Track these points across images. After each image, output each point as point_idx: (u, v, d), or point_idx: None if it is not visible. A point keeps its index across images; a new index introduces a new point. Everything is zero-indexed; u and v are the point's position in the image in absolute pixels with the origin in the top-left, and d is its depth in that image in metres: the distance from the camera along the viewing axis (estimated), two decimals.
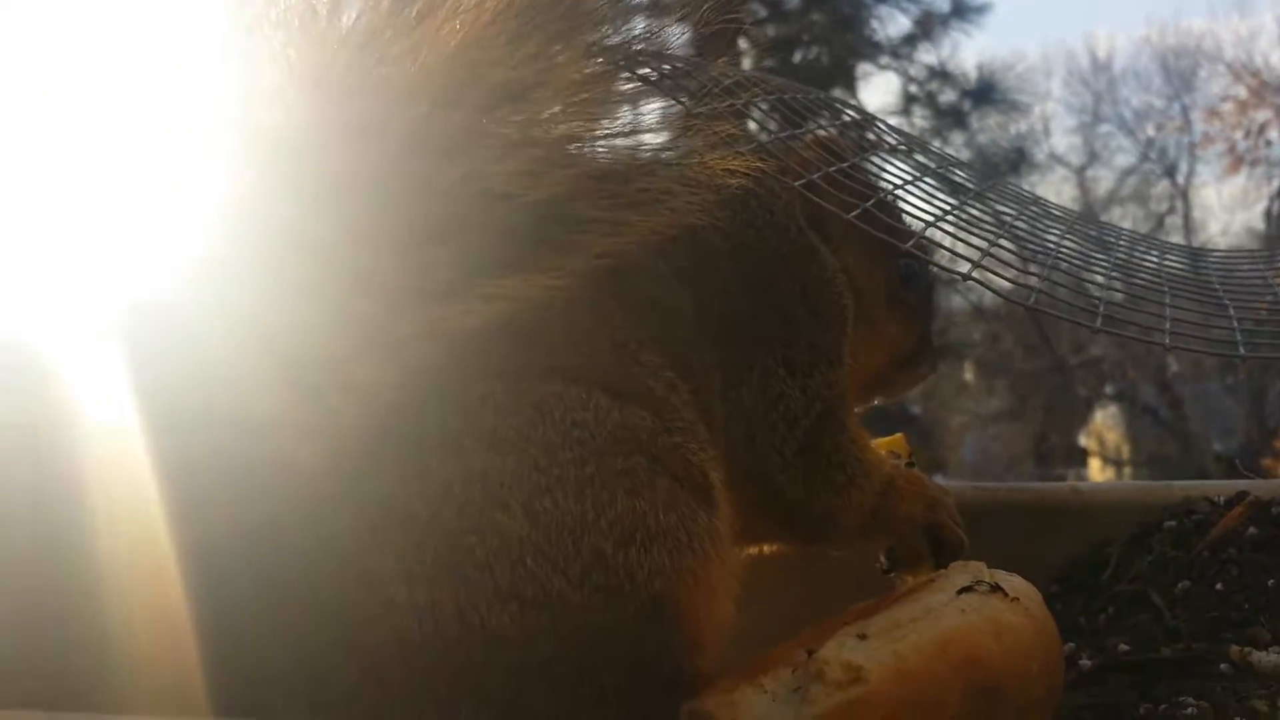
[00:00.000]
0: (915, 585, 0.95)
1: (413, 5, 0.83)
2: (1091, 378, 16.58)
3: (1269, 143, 17.25)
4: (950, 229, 1.11)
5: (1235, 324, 1.09)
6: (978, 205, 1.27)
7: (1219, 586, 1.18)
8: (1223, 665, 1.08)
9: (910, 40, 11.96)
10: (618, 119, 0.92)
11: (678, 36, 1.12)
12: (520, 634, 0.83)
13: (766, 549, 1.23)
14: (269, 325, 0.79)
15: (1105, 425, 17.57)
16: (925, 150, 1.40)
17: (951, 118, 12.05)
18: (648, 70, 1.05)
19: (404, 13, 0.83)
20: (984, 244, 1.10)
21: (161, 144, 0.85)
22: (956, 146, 12.15)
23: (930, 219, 1.11)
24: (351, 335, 0.80)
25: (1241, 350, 0.96)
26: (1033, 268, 1.11)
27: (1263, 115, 17.27)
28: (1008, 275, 1.11)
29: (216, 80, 0.85)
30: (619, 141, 0.90)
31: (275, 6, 0.84)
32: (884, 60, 12.05)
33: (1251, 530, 1.25)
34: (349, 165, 0.81)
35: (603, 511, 0.87)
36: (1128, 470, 16.63)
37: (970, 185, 1.34)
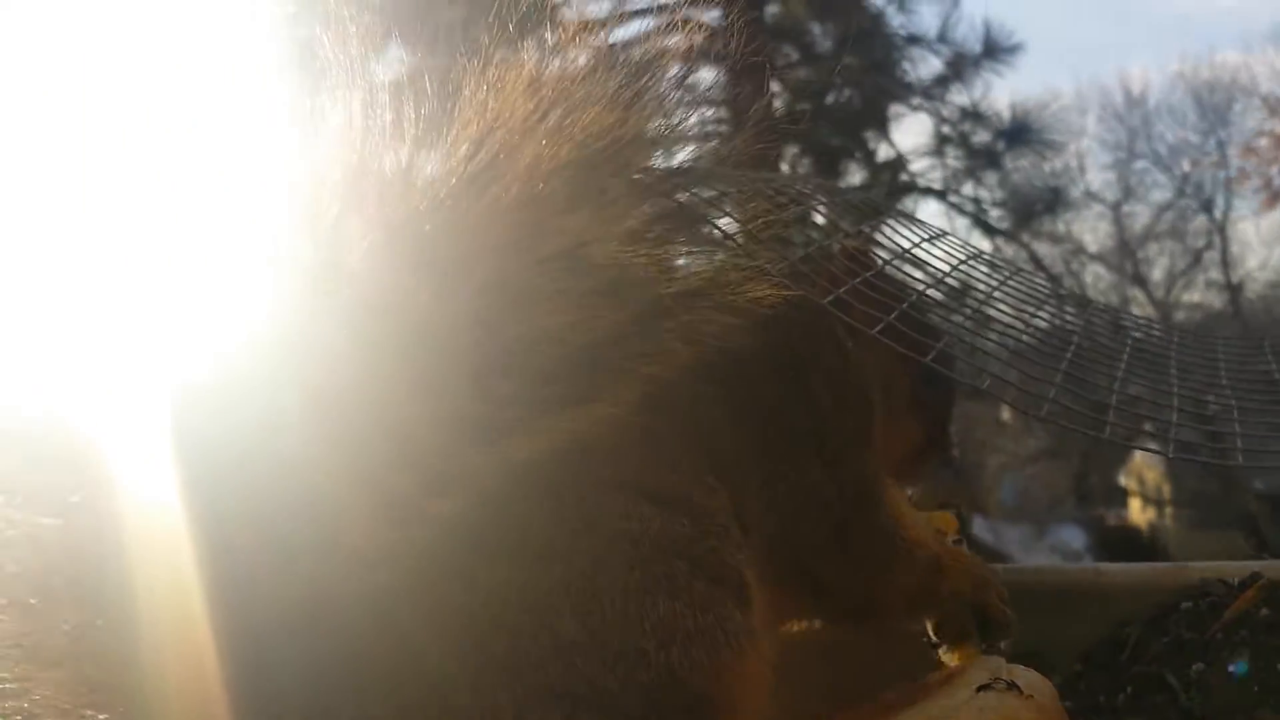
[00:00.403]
0: (939, 678, 1.02)
1: (482, 170, 0.94)
2: (1130, 417, 16.36)
3: None
4: (968, 335, 1.19)
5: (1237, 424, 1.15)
6: (997, 306, 1.35)
7: (1231, 669, 1.24)
8: None
9: (942, 81, 11.95)
10: (661, 255, 1.01)
11: (718, 152, 1.21)
12: (587, 713, 0.91)
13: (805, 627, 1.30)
14: (361, 463, 0.88)
15: (1145, 464, 17.36)
16: (945, 244, 1.49)
17: (985, 158, 12.05)
18: (688, 197, 1.15)
19: (474, 179, 0.94)
20: (998, 348, 1.18)
21: (262, 285, 0.95)
22: (990, 186, 12.18)
23: (949, 329, 1.20)
24: (432, 471, 0.90)
25: (1240, 458, 1.02)
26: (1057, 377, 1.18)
27: None
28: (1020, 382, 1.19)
29: (311, 227, 0.95)
30: (663, 278, 0.99)
31: (363, 165, 0.95)
32: (916, 101, 12.07)
33: (1264, 612, 1.31)
34: (429, 313, 0.91)
35: (646, 614, 0.95)
36: (1169, 509, 16.40)
37: (989, 282, 1.42)
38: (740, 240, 1.15)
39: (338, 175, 0.95)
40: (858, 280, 1.20)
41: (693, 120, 1.10)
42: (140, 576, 0.85)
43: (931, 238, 1.50)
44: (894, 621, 1.28)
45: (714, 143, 1.16)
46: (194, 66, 1.07)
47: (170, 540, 0.84)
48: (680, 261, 1.03)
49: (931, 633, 1.31)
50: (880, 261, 1.30)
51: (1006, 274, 1.51)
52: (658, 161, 1.07)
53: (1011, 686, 0.94)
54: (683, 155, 1.15)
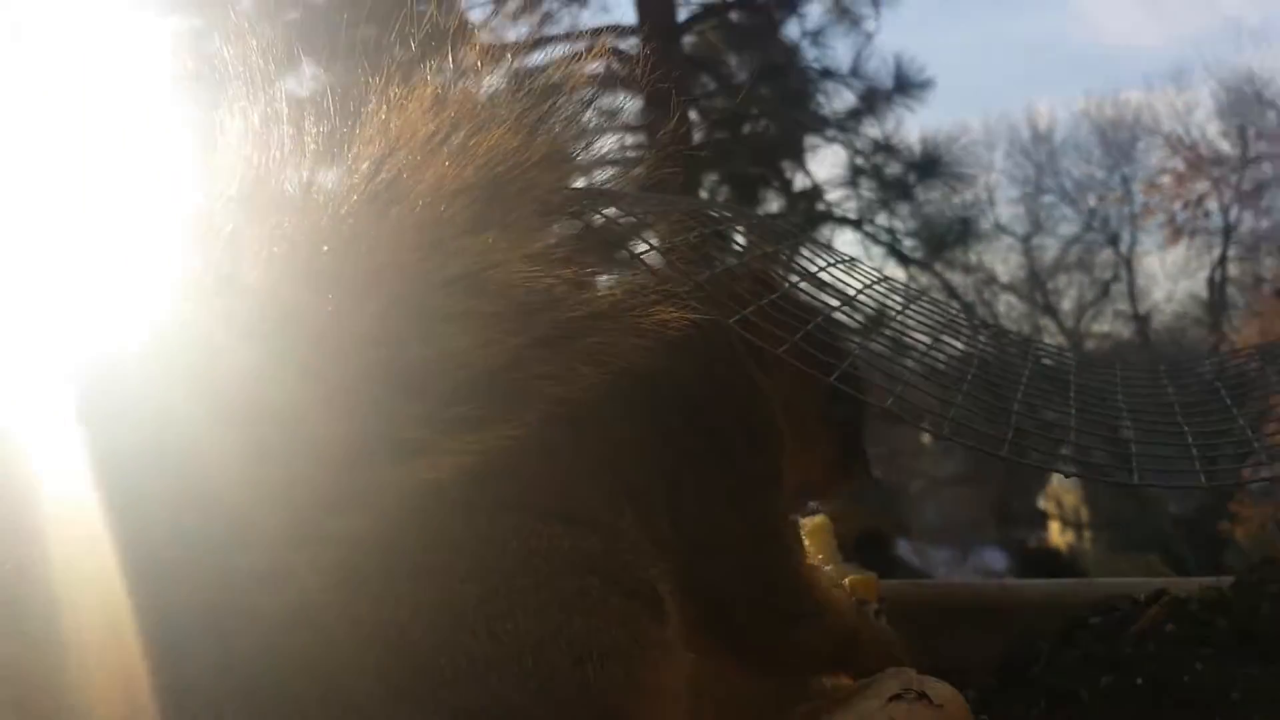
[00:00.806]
0: (851, 690, 1.02)
1: (384, 189, 0.92)
2: (1030, 436, 16.73)
3: (1208, 214, 17.82)
4: (877, 358, 1.20)
5: (1193, 449, 1.17)
6: (908, 329, 1.37)
7: (1139, 681, 1.27)
8: None
9: (855, 114, 12.21)
10: (568, 277, 1.00)
11: (628, 174, 1.21)
12: None
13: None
14: (258, 477, 0.86)
15: (1063, 488, 17.76)
16: (855, 269, 1.51)
17: (897, 190, 12.34)
18: (597, 221, 1.15)
19: (375, 198, 0.92)
20: (904, 370, 1.19)
21: (156, 294, 0.93)
22: (903, 217, 12.46)
23: (855, 351, 1.21)
24: (333, 489, 0.88)
25: (1203, 479, 1.04)
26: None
27: (1201, 187, 17.85)
28: (926, 403, 1.20)
29: (206, 238, 0.92)
30: (569, 300, 0.98)
31: (262, 180, 0.93)
32: (831, 134, 12.32)
33: (1170, 627, 1.34)
34: (329, 330, 0.89)
35: (560, 631, 0.94)
36: (1087, 533, 16.81)
37: (897, 305, 1.44)
38: (648, 262, 1.14)
39: (235, 188, 0.92)
40: (764, 301, 1.20)
41: (603, 143, 1.10)
42: (55, 558, 0.82)
43: (840, 262, 1.52)
44: (800, 678, 1.27)
45: (624, 166, 1.16)
46: (89, 73, 1.06)
47: (82, 523, 0.82)
48: (587, 283, 1.02)
49: None
50: (786, 284, 1.31)
51: (914, 297, 1.54)
52: (565, 183, 1.06)
53: (922, 697, 0.95)
54: (591, 178, 1.15)
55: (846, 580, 1.36)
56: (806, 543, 1.37)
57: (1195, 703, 1.22)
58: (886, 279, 1.53)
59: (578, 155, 1.07)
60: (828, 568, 1.37)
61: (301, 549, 0.87)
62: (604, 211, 1.19)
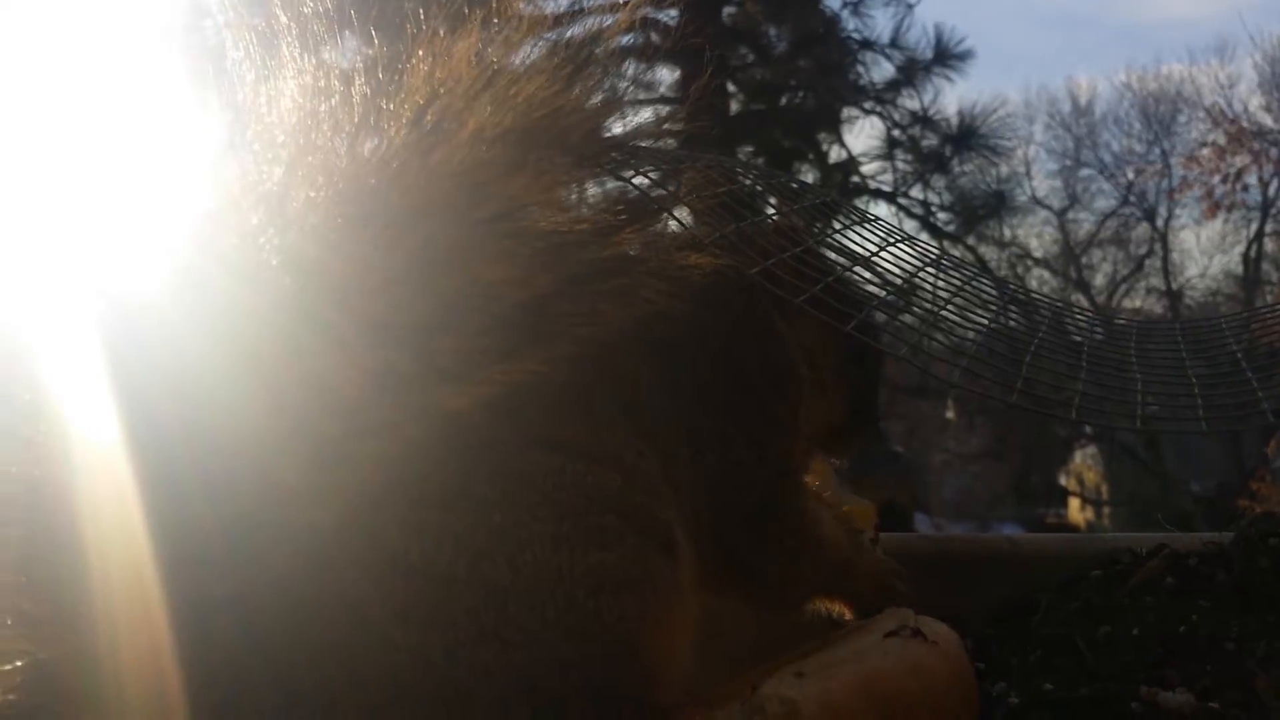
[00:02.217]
0: (850, 629, 1.08)
1: (426, 135, 0.98)
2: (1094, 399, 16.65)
3: (1246, 188, 17.59)
4: (892, 307, 1.24)
5: (1198, 398, 1.20)
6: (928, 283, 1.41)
7: (1135, 631, 1.31)
8: (1134, 704, 1.20)
9: (894, 86, 12.11)
10: (598, 223, 1.06)
11: (663, 127, 1.26)
12: (502, 670, 0.96)
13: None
14: (299, 405, 0.92)
15: (1084, 465, 17.74)
16: (877, 227, 1.54)
17: (934, 162, 12.24)
18: (628, 173, 1.20)
19: (418, 144, 0.98)
20: (923, 320, 1.23)
21: (199, 238, 0.99)
22: (939, 190, 12.38)
23: (874, 301, 1.26)
24: (366, 415, 0.94)
25: (1204, 426, 1.08)
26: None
27: (1240, 160, 17.59)
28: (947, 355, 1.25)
29: (254, 186, 0.98)
30: (598, 243, 1.03)
31: (308, 134, 0.98)
32: (868, 105, 12.23)
33: (1169, 580, 1.39)
34: (369, 269, 0.95)
35: (577, 563, 1.00)
36: (1106, 510, 16.77)
37: (916, 263, 1.48)
38: (677, 210, 1.19)
39: (284, 147, 0.98)
40: (787, 254, 1.25)
41: (636, 96, 1.14)
42: (84, 505, 0.88)
43: (864, 222, 1.56)
44: (799, 608, 1.32)
45: (657, 123, 1.21)
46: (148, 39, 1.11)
47: (112, 470, 0.87)
48: (615, 228, 1.07)
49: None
50: (810, 239, 1.35)
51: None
52: (599, 133, 1.11)
53: (917, 634, 1.00)
54: (625, 129, 1.19)
55: (845, 508, 1.42)
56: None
57: (1189, 652, 1.26)
58: (909, 237, 1.57)
59: (613, 106, 1.12)
60: (826, 494, 1.42)
61: (331, 472, 0.93)
62: (635, 164, 1.24)
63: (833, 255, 1.38)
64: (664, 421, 1.17)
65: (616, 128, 1.17)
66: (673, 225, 1.17)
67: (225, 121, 1.05)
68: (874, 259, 1.42)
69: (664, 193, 1.22)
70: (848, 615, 1.33)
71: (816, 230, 1.43)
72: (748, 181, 1.41)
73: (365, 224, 0.95)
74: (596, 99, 1.09)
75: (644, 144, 1.27)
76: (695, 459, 1.19)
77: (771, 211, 1.37)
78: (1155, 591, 1.37)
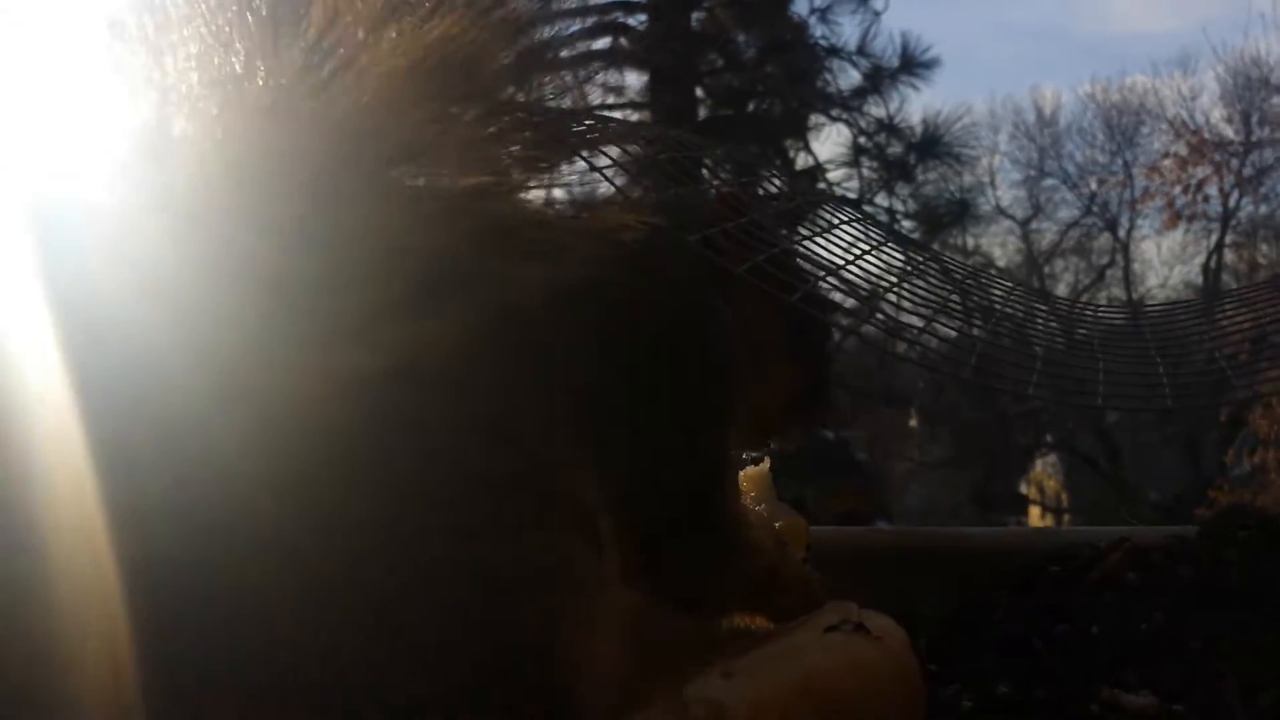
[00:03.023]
0: (789, 624, 0.99)
1: (322, 69, 0.88)
2: (1032, 427, 16.87)
3: (1207, 198, 17.81)
4: (854, 279, 1.16)
5: (1164, 378, 1.13)
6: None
7: (1095, 630, 1.24)
8: (1093, 707, 1.13)
9: (861, 93, 12.19)
10: (517, 174, 0.96)
11: (592, 93, 1.17)
12: (391, 685, 0.83)
13: None
14: (173, 371, 0.81)
15: (1045, 474, 17.86)
16: (845, 210, 1.46)
17: (898, 170, 12.31)
18: (554, 127, 1.10)
19: (313, 77, 0.88)
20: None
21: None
22: (903, 198, 12.43)
23: (823, 272, 1.17)
24: (246, 379, 0.83)
25: (1170, 403, 1.00)
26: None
27: (1201, 172, 17.81)
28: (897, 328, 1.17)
29: (136, 131, 0.88)
30: (517, 196, 0.94)
31: (194, 69, 0.88)
32: (835, 112, 12.29)
33: (1131, 576, 1.31)
34: (254, 218, 0.85)
35: (481, 558, 0.89)
36: (1067, 518, 16.88)
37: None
38: (610, 171, 1.10)
39: (166, 81, 0.88)
40: (731, 224, 1.16)
41: (563, 40, 1.05)
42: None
43: (817, 201, 1.48)
44: (720, 617, 1.22)
45: (587, 67, 1.11)
46: None
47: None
48: (538, 183, 0.98)
49: None
50: (756, 210, 1.26)
51: (886, 238, 1.49)
52: (519, 80, 1.02)
53: (859, 628, 0.91)
54: (553, 80, 1.10)
55: (777, 524, 1.32)
56: (744, 485, 1.33)
57: (1152, 651, 1.19)
58: (863, 217, 1.49)
59: (536, 53, 1.03)
60: (760, 507, 1.33)
61: (214, 441, 0.83)
62: (565, 121, 1.15)
63: (784, 232, 1.29)
64: (588, 400, 1.07)
65: (542, 82, 1.08)
66: (604, 186, 1.07)
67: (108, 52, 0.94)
68: (829, 232, 1.33)
69: (596, 152, 1.13)
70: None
71: (764, 203, 1.34)
72: (692, 148, 1.31)
73: (250, 169, 0.85)
74: (519, 43, 1.00)
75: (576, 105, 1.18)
76: (620, 444, 1.10)
77: (718, 182, 1.28)
78: (1116, 588, 1.30)
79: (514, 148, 0.97)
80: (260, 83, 0.90)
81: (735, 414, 1.21)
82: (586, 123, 1.19)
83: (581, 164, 1.11)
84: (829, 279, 1.15)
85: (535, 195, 0.97)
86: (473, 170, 0.93)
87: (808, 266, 1.22)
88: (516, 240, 0.93)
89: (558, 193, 1.00)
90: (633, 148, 1.22)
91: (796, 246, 1.27)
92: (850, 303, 1.24)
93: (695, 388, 1.16)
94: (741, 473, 1.33)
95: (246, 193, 0.86)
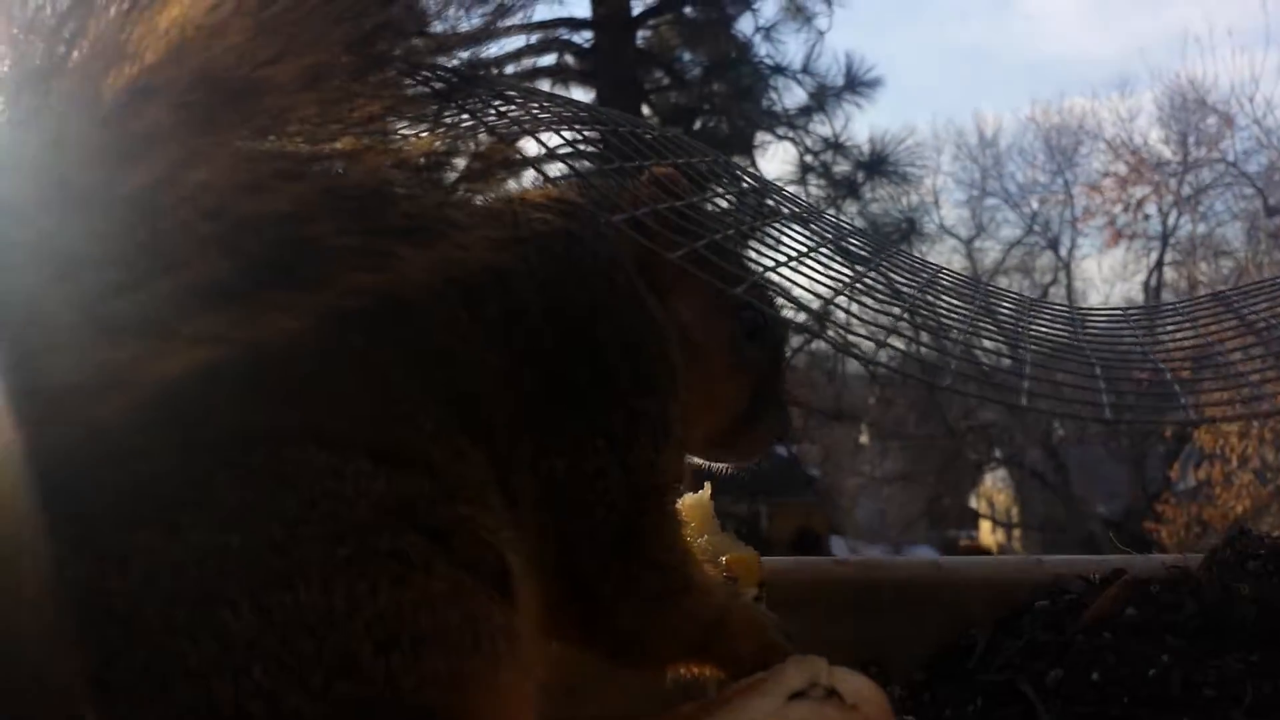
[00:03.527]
0: (742, 686, 0.80)
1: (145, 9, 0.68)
2: (981, 442, 16.93)
3: (1147, 217, 18.07)
4: (813, 275, 0.98)
5: (1103, 388, 0.97)
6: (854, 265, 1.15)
7: (1095, 676, 1.07)
8: None
9: (806, 111, 12.24)
10: (382, 133, 0.77)
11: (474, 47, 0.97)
12: None
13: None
14: None
15: (995, 488, 17.93)
16: (813, 214, 1.29)
17: (845, 188, 12.32)
18: (434, 82, 0.91)
19: (119, 6, 0.68)
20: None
21: None
22: (850, 215, 12.43)
23: (771, 264, 0.99)
24: (38, 379, 0.64)
25: (1108, 413, 0.84)
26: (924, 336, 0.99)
27: (1141, 191, 18.10)
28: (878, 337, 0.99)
29: None
30: (400, 171, 0.75)
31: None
32: (781, 130, 12.29)
33: (1130, 612, 1.15)
34: (55, 180, 0.65)
35: (359, 606, 0.71)
36: (1017, 532, 16.93)
37: (862, 251, 1.23)
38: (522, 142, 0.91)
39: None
40: (664, 205, 0.97)
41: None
42: None
43: (764, 189, 1.31)
44: (661, 669, 1.04)
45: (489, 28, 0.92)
46: None
47: None
48: (429, 155, 0.79)
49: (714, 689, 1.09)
50: (695, 195, 1.08)
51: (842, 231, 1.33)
52: (400, 34, 0.83)
53: (831, 695, 0.72)
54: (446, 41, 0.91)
55: (724, 558, 1.14)
56: (683, 515, 1.14)
57: (1161, 701, 1.02)
58: (854, 229, 1.32)
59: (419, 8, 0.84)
60: (702, 540, 1.14)
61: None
62: (467, 86, 0.96)
63: (722, 211, 1.11)
64: (495, 414, 0.88)
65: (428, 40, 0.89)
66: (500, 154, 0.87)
67: None
68: (773, 221, 1.15)
69: (504, 121, 0.94)
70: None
71: (707, 191, 1.16)
72: (626, 127, 1.13)
73: (54, 120, 0.65)
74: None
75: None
76: (537, 465, 0.91)
77: (651, 161, 1.09)
78: (1114, 627, 1.13)
79: (398, 107, 0.77)
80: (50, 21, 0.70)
81: (671, 427, 1.02)
82: (502, 89, 1.01)
83: (491, 131, 0.92)
84: (778, 271, 0.96)
85: (427, 168, 0.78)
86: (348, 138, 0.74)
87: (754, 259, 1.04)
88: (382, 212, 0.74)
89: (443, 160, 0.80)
90: (556, 122, 1.04)
91: (740, 237, 1.09)
92: (800, 316, 1.06)
93: (622, 393, 0.97)
94: (679, 500, 1.14)
95: (47, 147, 0.67)
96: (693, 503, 1.18)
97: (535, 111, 1.00)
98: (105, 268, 0.64)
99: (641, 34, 11.60)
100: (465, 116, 0.88)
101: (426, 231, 0.75)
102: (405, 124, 0.83)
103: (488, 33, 0.91)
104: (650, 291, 1.03)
